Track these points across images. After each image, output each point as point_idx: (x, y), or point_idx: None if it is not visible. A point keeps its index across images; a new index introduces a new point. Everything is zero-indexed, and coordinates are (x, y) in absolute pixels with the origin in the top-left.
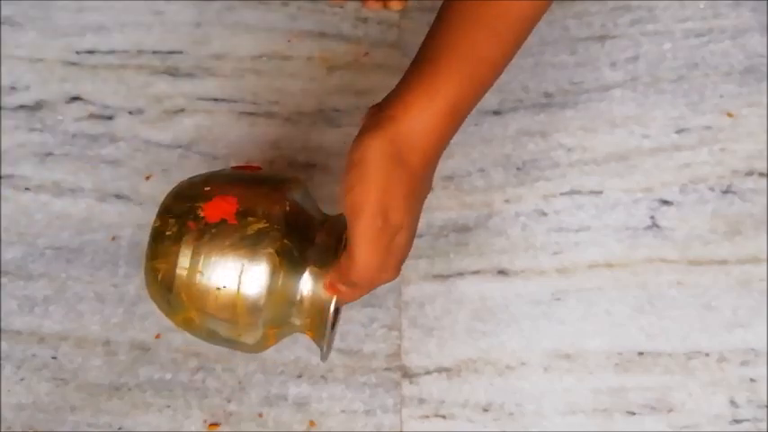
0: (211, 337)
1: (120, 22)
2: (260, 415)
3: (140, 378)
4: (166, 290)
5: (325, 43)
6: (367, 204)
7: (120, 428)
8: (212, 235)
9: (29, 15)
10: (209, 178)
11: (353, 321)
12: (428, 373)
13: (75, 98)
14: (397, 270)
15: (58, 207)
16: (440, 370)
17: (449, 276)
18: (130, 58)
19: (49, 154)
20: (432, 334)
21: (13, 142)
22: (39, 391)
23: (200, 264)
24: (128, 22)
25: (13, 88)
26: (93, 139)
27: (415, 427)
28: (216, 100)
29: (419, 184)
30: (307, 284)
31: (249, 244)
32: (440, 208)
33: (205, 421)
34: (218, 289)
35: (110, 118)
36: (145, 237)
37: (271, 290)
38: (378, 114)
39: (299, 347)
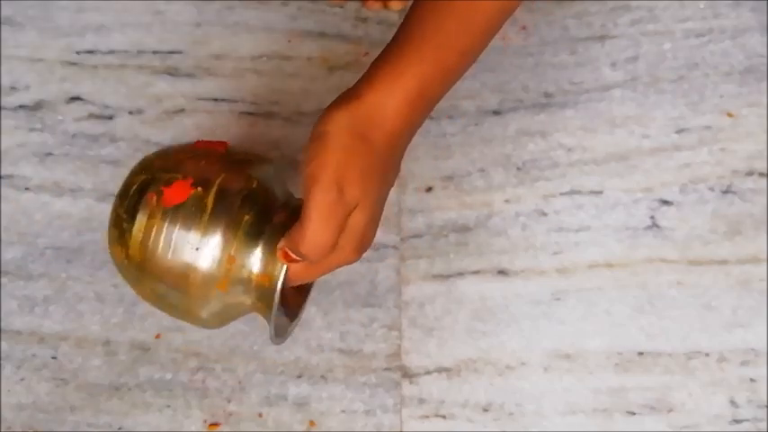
0: (163, 300)
1: (121, 22)
2: (260, 415)
3: (140, 378)
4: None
5: (326, 43)
6: (323, 175)
7: (120, 428)
8: (172, 211)
9: (29, 15)
10: (177, 150)
11: (353, 321)
12: (428, 373)
13: (75, 98)
14: (356, 252)
15: (58, 207)
16: (440, 370)
17: (449, 276)
18: (130, 58)
19: (49, 154)
20: (432, 334)
21: (12, 142)
22: (39, 391)
23: (154, 231)
24: (128, 22)
25: (13, 88)
26: (94, 139)
27: (414, 427)
28: (216, 100)
29: (381, 164)
30: (257, 261)
31: (206, 214)
32: (440, 208)
33: (205, 421)
34: (171, 257)
35: (110, 118)
36: None
37: (222, 259)
38: (345, 93)
39: (298, 348)
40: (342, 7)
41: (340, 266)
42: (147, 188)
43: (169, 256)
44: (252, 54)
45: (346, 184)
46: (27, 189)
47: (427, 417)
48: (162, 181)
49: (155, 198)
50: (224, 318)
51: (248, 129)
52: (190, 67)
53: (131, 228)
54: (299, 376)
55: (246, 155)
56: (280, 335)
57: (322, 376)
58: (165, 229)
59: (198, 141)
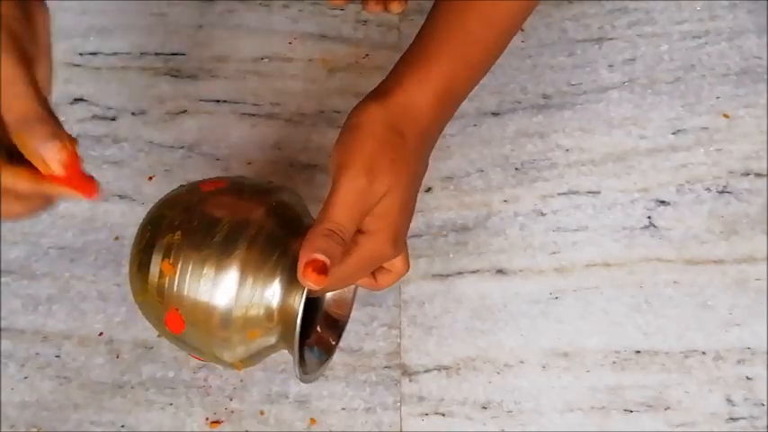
0: (187, 344)
1: (124, 24)
2: (261, 413)
3: (143, 376)
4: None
5: (326, 45)
6: (353, 161)
7: (122, 426)
8: (184, 244)
9: None
10: (182, 196)
11: (354, 320)
12: (427, 371)
13: (79, 99)
14: (390, 241)
15: (62, 207)
16: (439, 368)
17: (448, 276)
18: (133, 60)
19: None
20: (431, 332)
21: None
22: (42, 389)
23: (168, 279)
24: (131, 25)
25: None
26: (97, 140)
27: (414, 425)
28: (218, 101)
29: (412, 157)
30: (277, 293)
31: (218, 252)
32: (439, 208)
33: (207, 419)
34: (188, 297)
35: (113, 119)
36: None
37: (240, 299)
38: (376, 90)
39: None
40: (342, 9)
41: (375, 259)
42: (154, 243)
43: (186, 294)
44: (253, 56)
45: (377, 172)
46: None
47: (426, 414)
48: (169, 236)
49: (166, 262)
50: (250, 359)
51: (249, 130)
52: (192, 68)
53: (148, 274)
54: None
55: (259, 184)
56: (308, 372)
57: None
58: (178, 273)
59: (201, 183)
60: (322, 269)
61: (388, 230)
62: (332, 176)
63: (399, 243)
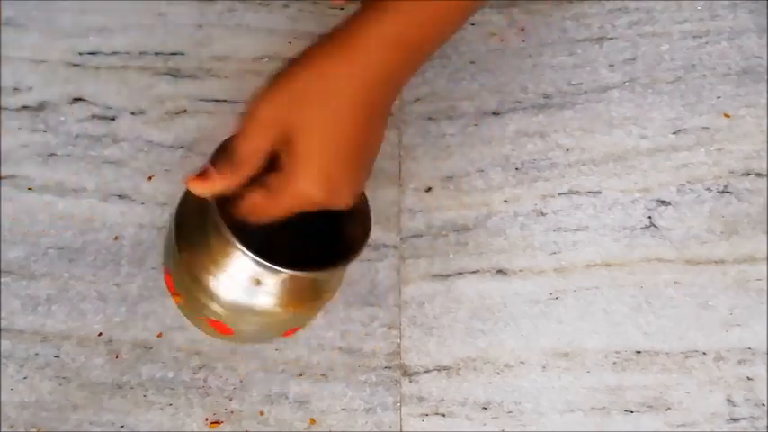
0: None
1: (123, 23)
2: (261, 413)
3: (142, 377)
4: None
5: None
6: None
7: (122, 427)
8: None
9: (31, 17)
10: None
11: (354, 320)
12: (427, 371)
13: (78, 99)
14: (315, 183)
15: (61, 207)
16: (439, 368)
17: (448, 276)
18: (133, 60)
19: (52, 154)
20: (431, 333)
21: (16, 143)
22: (42, 389)
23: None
24: (130, 24)
25: (16, 89)
26: (96, 139)
27: (414, 425)
28: (217, 101)
29: (337, 99)
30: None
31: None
32: (439, 208)
33: (206, 419)
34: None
35: (112, 119)
36: (147, 236)
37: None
38: (329, 48)
39: (299, 346)
40: (342, 9)
41: (297, 199)
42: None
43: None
44: (253, 55)
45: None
46: (30, 189)
47: (427, 415)
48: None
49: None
50: (295, 299)
51: None
52: (192, 68)
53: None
54: (300, 375)
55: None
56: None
57: (323, 375)
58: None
59: None
60: (205, 175)
61: (309, 171)
62: (304, 139)
63: (331, 186)
